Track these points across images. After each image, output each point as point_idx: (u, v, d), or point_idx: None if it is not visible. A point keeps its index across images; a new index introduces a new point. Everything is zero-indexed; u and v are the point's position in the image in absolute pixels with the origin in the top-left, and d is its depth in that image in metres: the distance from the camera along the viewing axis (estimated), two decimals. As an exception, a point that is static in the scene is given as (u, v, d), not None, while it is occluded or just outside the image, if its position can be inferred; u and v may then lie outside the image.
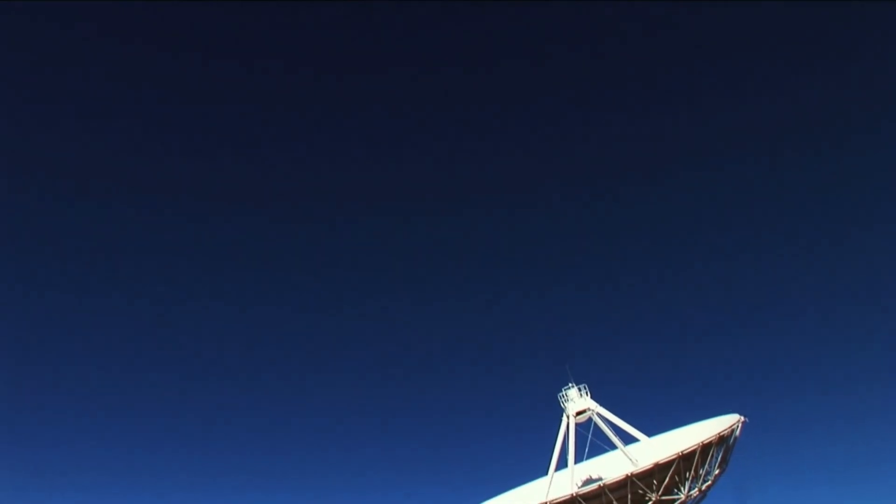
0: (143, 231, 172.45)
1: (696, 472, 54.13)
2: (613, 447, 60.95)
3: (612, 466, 60.22)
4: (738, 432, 56.13)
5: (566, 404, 62.15)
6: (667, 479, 52.90)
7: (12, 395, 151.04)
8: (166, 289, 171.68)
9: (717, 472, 56.46)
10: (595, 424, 60.91)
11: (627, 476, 52.50)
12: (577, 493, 54.16)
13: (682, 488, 54.11)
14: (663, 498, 53.56)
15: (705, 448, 53.77)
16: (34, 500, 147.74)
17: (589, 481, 60.95)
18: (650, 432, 62.16)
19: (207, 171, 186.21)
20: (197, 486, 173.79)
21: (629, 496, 53.10)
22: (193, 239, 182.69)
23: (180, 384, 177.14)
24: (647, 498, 53.46)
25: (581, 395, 62.13)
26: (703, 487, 55.80)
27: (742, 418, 56.43)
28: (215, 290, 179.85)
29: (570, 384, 62.97)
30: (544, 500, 55.52)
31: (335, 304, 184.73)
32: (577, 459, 61.54)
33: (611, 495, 53.16)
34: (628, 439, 60.80)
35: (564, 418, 61.77)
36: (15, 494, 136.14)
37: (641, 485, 52.89)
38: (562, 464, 60.99)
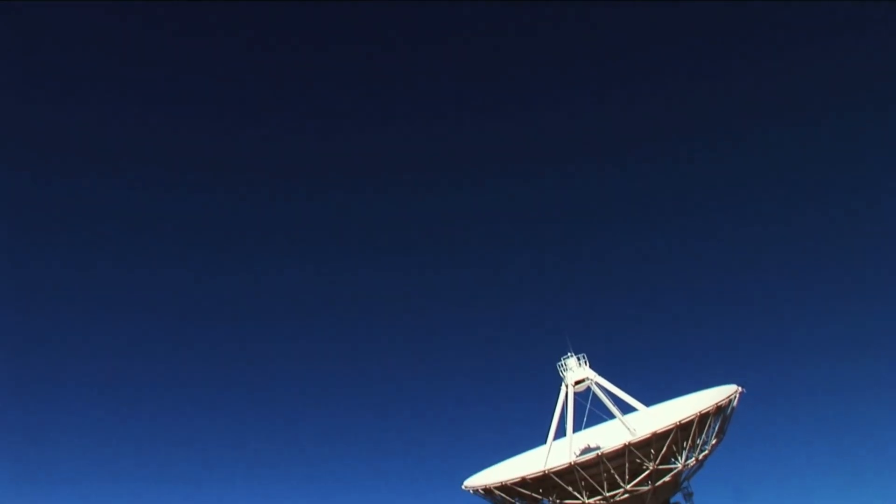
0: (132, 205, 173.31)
1: (694, 441, 54.49)
2: (612, 416, 61.20)
3: (611, 435, 60.53)
4: (735, 403, 56.37)
5: (565, 373, 62.26)
6: (664, 449, 53.25)
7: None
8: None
9: (714, 441, 56.81)
10: (594, 394, 61.20)
11: (625, 445, 52.85)
12: (575, 462, 54.49)
13: (679, 458, 54.49)
14: (661, 467, 53.93)
15: (703, 418, 54.09)
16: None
17: (587, 450, 61.28)
18: (648, 402, 62.59)
19: (203, 145, 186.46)
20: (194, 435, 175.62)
21: (627, 465, 53.48)
22: (187, 214, 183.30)
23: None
24: (644, 467, 53.84)
25: (580, 364, 62.20)
26: (701, 457, 56.18)
27: (740, 389, 56.62)
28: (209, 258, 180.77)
29: (569, 353, 63.02)
30: (543, 469, 55.88)
31: (333, 273, 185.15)
32: (576, 428, 61.87)
33: (608, 464, 53.59)
34: (626, 409, 61.23)
35: (563, 387, 61.96)
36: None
37: (639, 454, 53.27)
38: (560, 433, 61.49)
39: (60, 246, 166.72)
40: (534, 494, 57.58)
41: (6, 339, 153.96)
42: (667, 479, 55.01)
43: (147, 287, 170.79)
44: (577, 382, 61.65)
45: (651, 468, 53.76)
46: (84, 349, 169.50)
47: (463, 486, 62.65)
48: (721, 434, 57.49)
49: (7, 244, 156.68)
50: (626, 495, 54.84)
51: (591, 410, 62.12)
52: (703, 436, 55.28)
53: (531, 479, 56.04)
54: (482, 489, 59.86)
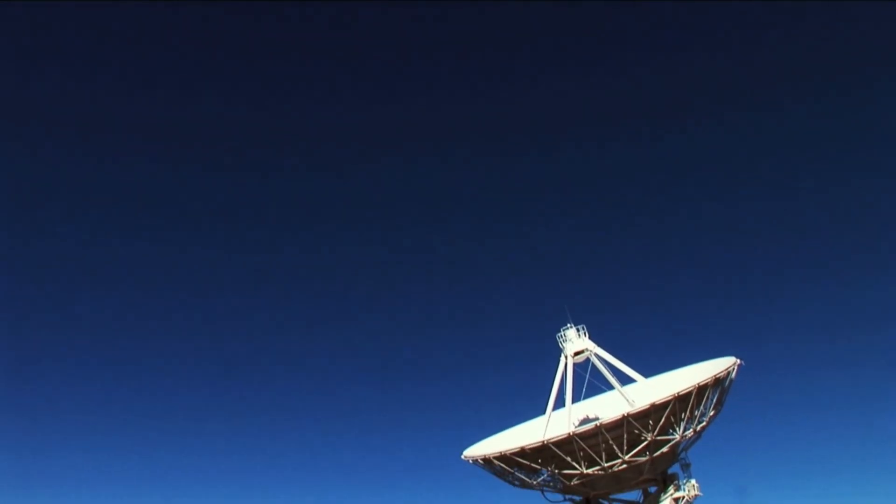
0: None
1: (692, 413, 54.92)
2: (611, 388, 61.41)
3: (609, 406, 60.82)
4: (733, 374, 56.74)
5: (564, 345, 62.50)
6: (662, 420, 53.71)
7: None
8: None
9: (712, 413, 57.23)
10: (593, 365, 61.39)
11: (624, 416, 53.32)
12: (574, 433, 55.03)
13: (677, 429, 54.93)
14: (659, 438, 54.44)
15: (701, 389, 54.50)
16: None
17: (586, 421, 61.62)
18: (647, 373, 62.80)
19: (200, 120, 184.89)
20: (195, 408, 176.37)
21: (625, 436, 53.97)
22: (183, 190, 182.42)
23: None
24: (642, 438, 54.32)
25: (579, 335, 62.39)
26: (699, 428, 56.65)
27: (738, 361, 56.97)
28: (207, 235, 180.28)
29: (568, 324, 63.18)
30: (542, 439, 56.34)
31: (332, 244, 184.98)
32: (575, 399, 62.30)
33: (607, 434, 54.04)
34: (625, 380, 61.54)
35: (563, 358, 62.21)
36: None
37: (637, 425, 53.74)
38: (559, 403, 61.86)
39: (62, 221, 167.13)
40: (533, 464, 58.02)
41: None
42: (665, 449, 55.53)
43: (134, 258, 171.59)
44: (577, 353, 61.85)
45: (649, 439, 54.23)
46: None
47: (462, 456, 63.08)
48: (719, 406, 57.90)
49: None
50: (625, 466, 55.42)
51: (590, 381, 62.45)
52: (702, 407, 55.74)
53: (530, 449, 56.48)
54: (482, 459, 60.34)
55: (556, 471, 57.48)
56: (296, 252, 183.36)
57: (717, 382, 55.98)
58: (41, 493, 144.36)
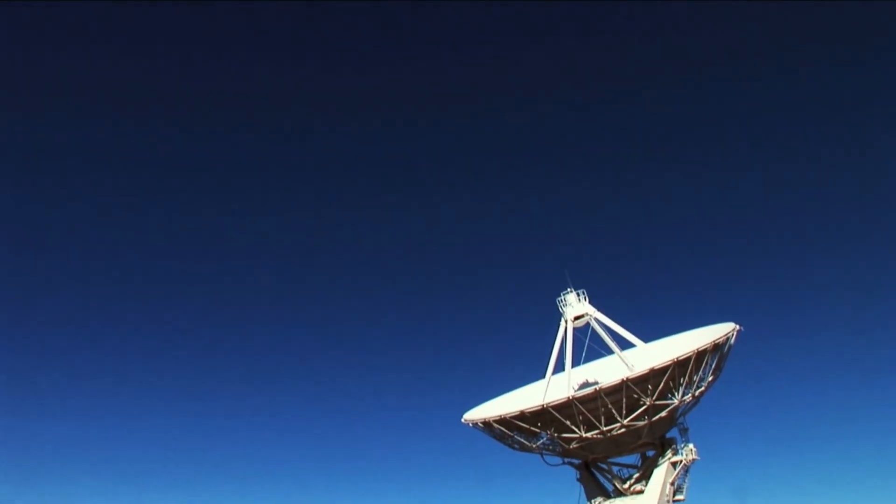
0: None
1: (691, 378, 55.20)
2: (610, 352, 61.59)
3: (609, 371, 61.27)
4: (732, 340, 56.90)
5: (565, 309, 62.73)
6: (661, 385, 54.08)
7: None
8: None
9: (710, 378, 57.55)
10: (592, 329, 61.66)
11: (623, 380, 53.68)
12: (573, 397, 55.41)
13: (675, 393, 55.27)
14: (657, 402, 54.83)
15: (700, 355, 54.74)
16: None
17: (585, 385, 62.05)
18: (647, 338, 63.08)
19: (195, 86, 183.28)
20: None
21: (624, 400, 54.37)
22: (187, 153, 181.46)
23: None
24: (641, 402, 54.71)
25: (580, 300, 62.58)
26: (697, 393, 57.00)
27: (737, 327, 57.06)
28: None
29: (568, 289, 63.40)
30: (541, 403, 56.76)
31: (334, 210, 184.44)
32: (575, 363, 62.63)
33: (606, 399, 54.43)
34: (625, 345, 61.77)
35: (563, 323, 62.44)
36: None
37: (636, 389, 54.14)
38: (559, 368, 62.23)
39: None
40: (532, 428, 58.51)
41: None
42: (663, 414, 55.88)
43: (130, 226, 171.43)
44: (577, 318, 62.06)
45: (648, 403, 54.62)
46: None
47: (462, 420, 63.55)
48: (718, 371, 58.20)
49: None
50: (623, 430, 55.85)
51: (589, 346, 62.76)
52: (700, 372, 56.02)
53: (530, 413, 56.99)
54: (481, 423, 60.82)
55: (556, 434, 57.93)
56: (298, 210, 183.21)
57: (717, 348, 56.20)
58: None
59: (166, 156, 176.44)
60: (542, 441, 60.47)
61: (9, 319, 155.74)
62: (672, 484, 60.33)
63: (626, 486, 62.09)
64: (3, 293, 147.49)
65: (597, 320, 61.29)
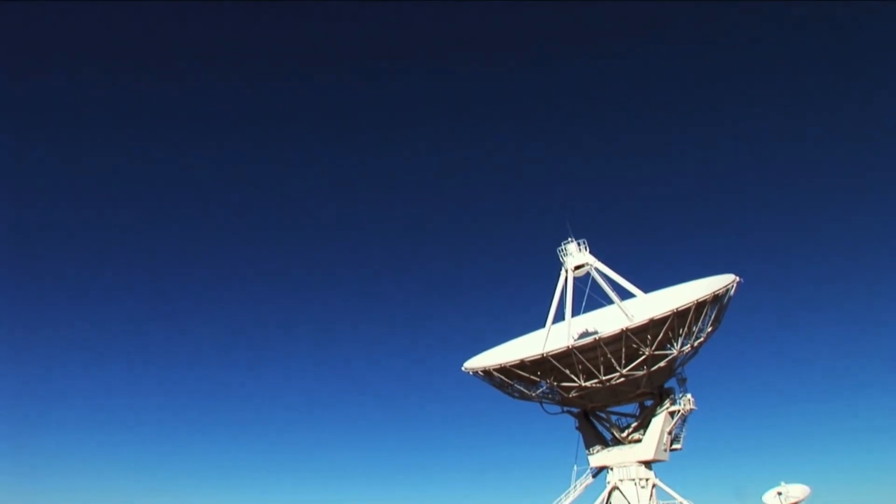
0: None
1: (690, 328, 55.28)
2: (610, 302, 61.64)
3: (608, 321, 61.31)
4: (732, 291, 56.86)
5: (565, 258, 62.69)
6: (661, 335, 54.21)
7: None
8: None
9: (709, 329, 57.64)
10: (593, 279, 61.69)
11: (622, 330, 53.83)
12: (573, 346, 55.60)
13: (674, 344, 55.42)
14: (656, 353, 55.03)
15: (700, 306, 54.72)
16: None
17: (585, 335, 62.30)
18: (647, 288, 63.30)
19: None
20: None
21: (623, 350, 54.62)
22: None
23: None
24: (640, 352, 54.95)
25: (580, 249, 62.51)
26: (696, 344, 57.19)
27: (737, 278, 56.96)
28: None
29: (569, 238, 63.36)
30: (541, 352, 57.03)
31: (336, 155, 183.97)
32: (574, 313, 62.66)
33: (605, 348, 54.69)
34: (625, 295, 61.78)
35: (563, 272, 62.43)
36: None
37: (636, 339, 54.27)
38: (559, 317, 62.37)
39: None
40: (532, 377, 58.88)
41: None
42: (662, 364, 56.11)
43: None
44: (577, 267, 62.06)
45: (647, 353, 54.82)
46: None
47: (463, 368, 63.93)
48: (717, 322, 58.26)
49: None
50: (622, 379, 56.19)
51: (589, 295, 62.78)
52: (700, 323, 56.04)
53: (529, 361, 57.24)
54: (481, 371, 61.15)
55: (555, 383, 58.30)
56: (302, 163, 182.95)
57: (716, 299, 56.17)
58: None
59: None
60: (541, 390, 60.88)
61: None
62: (670, 433, 60.93)
63: (625, 434, 62.70)
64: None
65: (597, 270, 61.25)
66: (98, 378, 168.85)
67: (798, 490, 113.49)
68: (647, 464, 59.76)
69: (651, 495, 59.13)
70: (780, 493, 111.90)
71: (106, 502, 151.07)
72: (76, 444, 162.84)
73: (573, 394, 58.83)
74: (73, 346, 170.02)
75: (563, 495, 61.80)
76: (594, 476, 62.57)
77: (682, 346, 55.75)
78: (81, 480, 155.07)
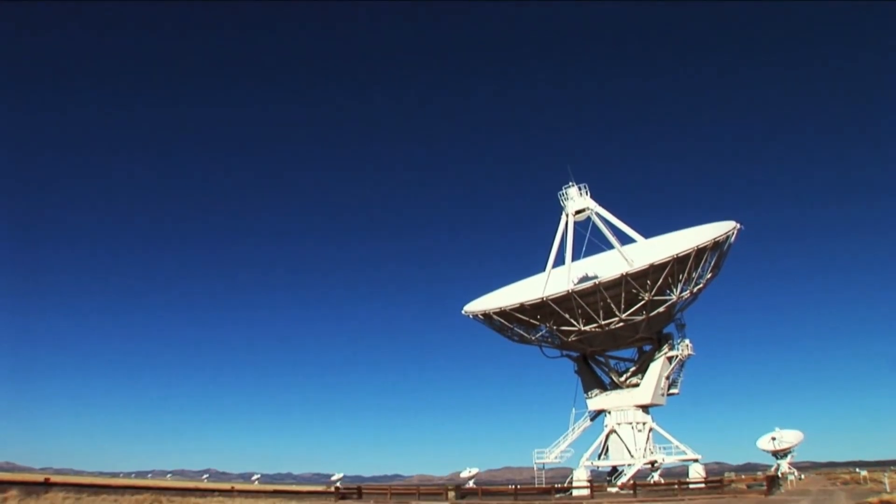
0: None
1: (689, 274, 55.38)
2: (610, 247, 61.64)
3: (608, 265, 61.45)
4: (732, 239, 56.77)
5: (566, 203, 62.50)
6: (660, 281, 54.33)
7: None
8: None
9: (709, 275, 57.68)
10: (593, 224, 61.55)
11: (622, 275, 54.06)
12: (572, 290, 55.86)
13: (674, 289, 55.55)
14: (655, 298, 55.27)
15: (700, 252, 54.73)
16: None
17: (585, 279, 62.49)
18: (647, 234, 63.32)
19: None
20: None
21: (623, 294, 54.92)
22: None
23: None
24: (639, 297, 55.21)
25: (581, 194, 62.32)
26: (695, 290, 57.30)
27: (738, 225, 56.76)
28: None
29: (570, 183, 63.06)
30: (541, 296, 57.22)
31: (337, 98, 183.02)
32: (575, 258, 62.78)
33: (605, 293, 54.98)
34: (625, 240, 61.77)
35: (563, 216, 62.35)
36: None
37: (635, 284, 54.56)
38: (559, 261, 62.45)
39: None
40: (531, 320, 59.27)
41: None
42: (661, 309, 56.40)
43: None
44: (578, 212, 61.99)
45: (646, 299, 55.09)
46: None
47: (463, 312, 64.19)
48: (716, 269, 58.32)
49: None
50: (621, 324, 56.55)
51: (590, 240, 62.75)
52: (699, 270, 56.14)
53: (529, 305, 57.58)
54: (481, 314, 61.44)
55: (555, 327, 58.66)
56: (309, 102, 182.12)
57: (716, 246, 56.14)
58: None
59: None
60: (541, 333, 61.30)
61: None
62: (667, 378, 61.57)
63: (623, 379, 63.30)
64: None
65: (598, 215, 61.18)
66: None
67: (791, 435, 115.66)
68: (645, 408, 60.48)
69: (648, 439, 59.91)
70: (774, 438, 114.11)
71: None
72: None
73: (572, 338, 59.21)
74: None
75: (562, 438, 62.58)
76: (592, 419, 63.34)
77: (681, 292, 55.98)
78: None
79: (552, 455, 61.99)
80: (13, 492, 33.63)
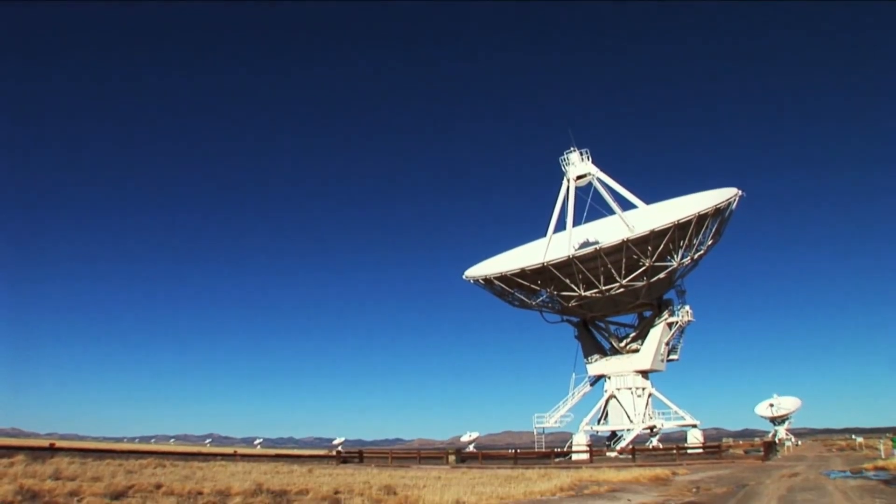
0: None
1: (690, 241, 55.36)
2: (612, 212, 61.54)
3: (609, 231, 61.42)
4: (734, 205, 56.58)
5: (567, 168, 62.27)
6: (661, 247, 54.35)
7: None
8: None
9: (710, 242, 57.62)
10: (595, 189, 61.37)
11: (623, 241, 54.10)
12: (573, 256, 55.92)
13: (675, 256, 55.57)
14: (656, 264, 55.31)
15: (701, 218, 54.62)
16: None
17: (586, 244, 62.37)
18: (649, 200, 63.21)
19: None
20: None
21: (624, 260, 54.97)
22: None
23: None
24: (640, 263, 55.24)
25: (583, 159, 62.07)
26: (696, 256, 57.30)
27: (740, 192, 56.53)
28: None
29: (572, 148, 62.79)
30: (542, 261, 57.28)
31: (340, 57, 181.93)
32: (576, 223, 62.80)
33: (606, 259, 55.04)
34: (627, 205, 61.68)
35: (565, 182, 62.19)
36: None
37: (636, 250, 54.58)
38: (560, 226, 62.40)
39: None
40: (532, 285, 59.36)
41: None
42: (661, 276, 56.45)
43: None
44: (579, 177, 61.83)
45: (647, 265, 55.13)
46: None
47: (464, 277, 64.29)
48: (718, 236, 58.21)
49: None
50: (622, 289, 56.66)
51: (591, 206, 62.62)
52: (700, 236, 56.07)
53: (530, 270, 57.66)
54: (482, 279, 61.55)
55: (555, 292, 58.76)
56: (309, 68, 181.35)
57: (718, 212, 55.96)
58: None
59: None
60: (541, 299, 61.43)
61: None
62: (667, 344, 61.85)
63: (623, 344, 63.60)
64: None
65: (599, 180, 61.01)
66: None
67: (789, 402, 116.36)
68: (644, 373, 60.81)
69: (647, 404, 60.30)
70: (772, 405, 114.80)
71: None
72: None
73: (573, 303, 59.38)
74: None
75: (562, 402, 63.00)
76: (592, 384, 63.74)
77: (682, 259, 55.98)
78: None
79: (552, 420, 62.48)
80: (20, 457, 34.05)
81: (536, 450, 63.40)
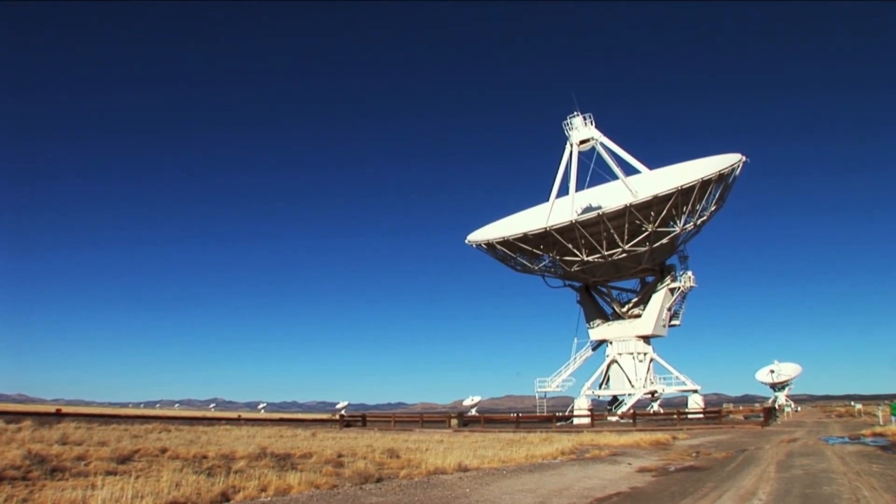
0: None
1: (693, 207, 55.22)
2: (615, 177, 61.09)
3: (612, 196, 61.23)
4: (738, 172, 56.21)
5: (570, 132, 61.82)
6: (664, 212, 54.21)
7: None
8: None
9: (713, 208, 57.37)
10: (598, 154, 61.02)
11: (626, 206, 53.95)
12: (576, 221, 55.85)
13: (678, 221, 55.46)
14: (659, 229, 55.22)
15: (704, 184, 54.42)
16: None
17: (588, 209, 62.24)
18: (652, 165, 62.84)
19: None
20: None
21: (626, 225, 54.89)
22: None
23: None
24: (643, 228, 55.16)
25: (586, 124, 61.58)
26: (699, 222, 57.17)
27: (744, 158, 56.17)
28: None
29: (575, 112, 62.31)
30: (545, 226, 57.22)
31: (343, 26, 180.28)
32: (578, 188, 62.58)
33: (608, 224, 54.98)
34: (630, 170, 61.38)
35: (568, 146, 61.76)
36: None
37: (639, 215, 54.43)
38: (563, 191, 62.07)
39: None
40: (535, 250, 59.32)
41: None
42: (664, 241, 56.35)
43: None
44: (582, 142, 61.39)
45: (650, 230, 55.04)
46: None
47: (466, 241, 64.22)
48: (721, 201, 57.91)
49: None
50: (624, 255, 56.65)
51: (594, 170, 62.29)
52: (703, 202, 55.88)
53: (532, 235, 57.63)
54: (485, 244, 61.47)
55: (558, 257, 58.77)
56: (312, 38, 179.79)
57: (721, 178, 55.66)
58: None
59: None
60: (543, 263, 61.41)
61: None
62: (669, 309, 61.96)
63: (625, 309, 63.73)
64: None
65: (602, 145, 60.66)
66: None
67: (789, 368, 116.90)
68: (646, 339, 61.00)
69: (648, 369, 60.55)
70: (772, 371, 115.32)
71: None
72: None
73: (575, 268, 59.40)
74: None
75: (563, 367, 63.26)
76: (594, 349, 63.99)
77: (684, 224, 55.86)
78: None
79: (554, 384, 62.78)
80: (27, 422, 34.50)
81: (538, 414, 63.78)
